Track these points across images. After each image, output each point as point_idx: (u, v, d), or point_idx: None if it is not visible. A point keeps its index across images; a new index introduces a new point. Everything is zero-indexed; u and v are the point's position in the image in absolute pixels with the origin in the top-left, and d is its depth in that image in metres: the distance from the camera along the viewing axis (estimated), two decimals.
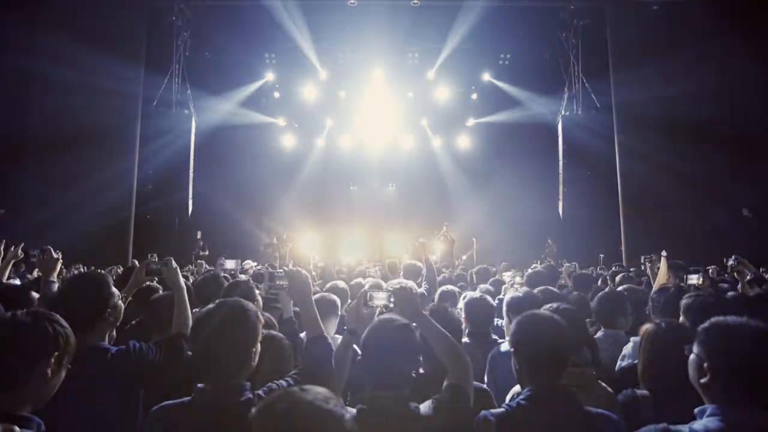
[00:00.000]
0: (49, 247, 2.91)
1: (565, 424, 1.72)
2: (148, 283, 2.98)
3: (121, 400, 2.05)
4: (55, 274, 2.91)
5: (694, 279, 3.79)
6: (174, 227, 12.77)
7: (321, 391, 1.03)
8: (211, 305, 1.81)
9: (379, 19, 12.26)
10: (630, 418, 1.94)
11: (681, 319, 2.53)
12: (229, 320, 1.73)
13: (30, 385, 1.47)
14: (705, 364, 1.56)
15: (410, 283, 4.00)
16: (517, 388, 2.10)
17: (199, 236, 12.05)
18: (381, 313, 2.08)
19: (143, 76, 11.51)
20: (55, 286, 2.81)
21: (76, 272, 5.23)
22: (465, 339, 2.90)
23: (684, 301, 2.60)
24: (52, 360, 1.50)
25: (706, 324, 1.64)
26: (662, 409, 1.94)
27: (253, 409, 1.01)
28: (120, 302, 2.31)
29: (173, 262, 2.59)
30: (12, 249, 3.85)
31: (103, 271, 2.95)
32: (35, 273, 4.17)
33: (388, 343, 1.76)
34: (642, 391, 2.08)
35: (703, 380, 1.56)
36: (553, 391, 1.78)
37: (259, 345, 1.80)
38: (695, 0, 11.08)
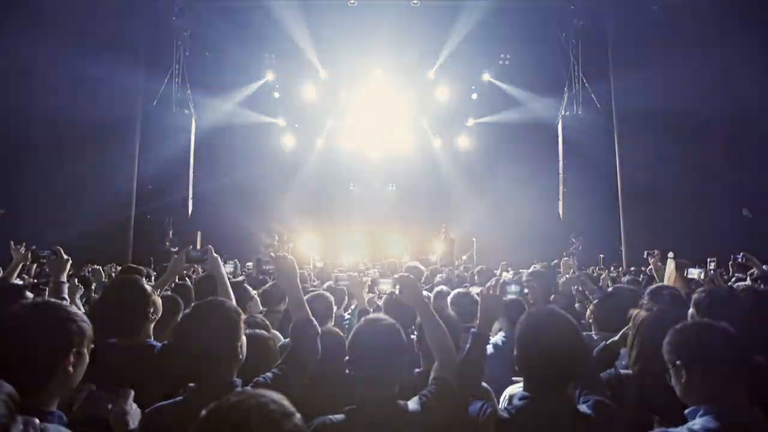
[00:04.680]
0: (59, 247, 2.92)
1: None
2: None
3: (167, 395, 2.07)
4: (65, 275, 2.93)
5: (695, 273, 3.79)
6: (174, 227, 12.77)
7: (273, 393, 1.01)
8: (188, 309, 1.85)
9: (379, 19, 12.29)
10: (613, 397, 1.94)
11: (690, 310, 2.53)
12: (209, 319, 1.76)
13: (54, 382, 1.47)
14: (683, 370, 1.62)
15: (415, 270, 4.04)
16: (510, 389, 2.10)
17: (171, 234, 12.05)
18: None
19: (143, 76, 11.52)
20: (66, 287, 2.83)
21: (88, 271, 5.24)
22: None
23: (695, 296, 2.60)
24: (71, 356, 1.50)
25: (672, 333, 1.70)
26: (646, 389, 1.97)
27: (203, 412, 0.99)
28: (158, 298, 2.38)
29: (213, 250, 2.64)
30: (22, 251, 3.84)
31: (136, 276, 2.98)
32: (32, 272, 4.16)
33: (375, 343, 1.76)
34: (626, 371, 2.11)
35: (684, 383, 1.61)
36: (555, 401, 1.74)
37: (244, 338, 1.82)
38: (695, 0, 11.08)
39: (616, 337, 2.36)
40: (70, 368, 1.49)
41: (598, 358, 2.32)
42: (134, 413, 1.72)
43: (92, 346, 1.59)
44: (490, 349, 2.84)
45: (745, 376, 1.57)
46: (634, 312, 2.27)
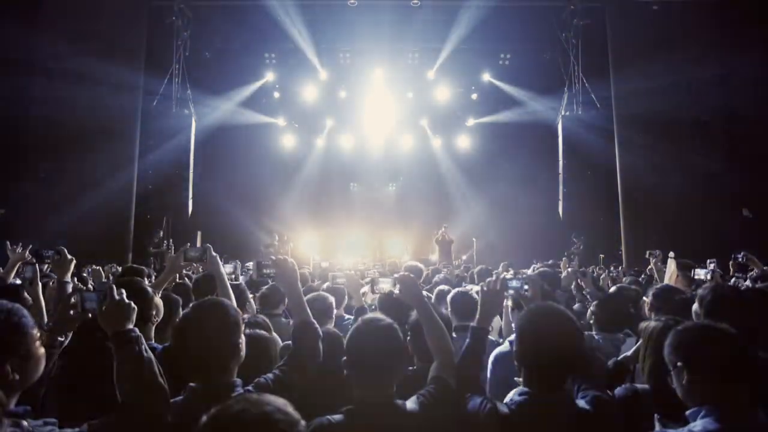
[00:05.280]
0: (63, 248, 2.92)
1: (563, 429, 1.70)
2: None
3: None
4: (69, 275, 2.92)
5: (701, 274, 3.77)
6: (174, 227, 12.77)
7: (278, 399, 1.00)
8: (188, 308, 1.84)
9: (379, 19, 12.27)
10: (629, 412, 1.94)
11: (694, 306, 2.50)
12: (209, 319, 1.75)
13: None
14: (684, 372, 1.59)
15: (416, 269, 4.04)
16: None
17: (162, 234, 12.06)
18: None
19: (143, 76, 11.51)
20: (70, 287, 2.82)
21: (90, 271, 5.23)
22: (452, 334, 2.92)
23: (699, 292, 2.57)
24: (8, 363, 1.46)
25: (673, 335, 1.68)
26: (663, 404, 1.93)
27: (204, 416, 0.97)
28: (159, 300, 2.40)
29: (212, 249, 2.64)
30: (19, 250, 3.83)
31: (137, 277, 2.97)
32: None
33: (373, 344, 1.76)
34: (643, 386, 2.08)
35: (685, 385, 1.60)
36: (553, 396, 1.73)
37: (243, 337, 1.82)
38: (695, 0, 11.07)
39: (629, 353, 2.33)
40: (14, 375, 1.45)
41: (609, 374, 2.31)
42: (129, 306, 1.73)
43: (40, 342, 1.56)
44: (507, 346, 2.82)
45: (747, 377, 1.55)
46: (643, 324, 2.26)
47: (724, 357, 1.56)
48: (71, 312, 1.91)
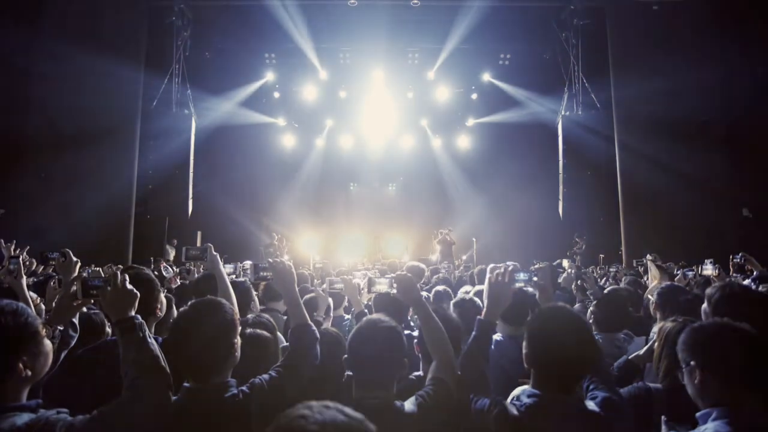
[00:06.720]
0: (68, 250, 2.91)
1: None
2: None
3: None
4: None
5: (708, 269, 3.75)
6: (174, 227, 12.76)
7: (343, 412, 0.91)
8: (184, 307, 1.84)
9: (379, 19, 12.27)
10: (640, 411, 1.92)
11: (704, 305, 2.46)
12: (205, 318, 1.75)
13: (12, 380, 1.49)
14: (696, 371, 1.55)
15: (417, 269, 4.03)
16: (519, 389, 2.08)
17: (175, 243, 12.06)
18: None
19: (143, 76, 11.50)
20: (74, 288, 2.82)
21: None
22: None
23: (708, 291, 2.51)
24: (21, 361, 1.50)
25: (688, 332, 1.64)
26: (676, 404, 1.91)
27: (271, 426, 0.88)
28: (163, 296, 2.42)
29: (212, 248, 2.65)
30: (12, 251, 3.82)
31: (145, 269, 2.99)
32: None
33: (374, 345, 1.75)
34: (656, 385, 2.06)
35: (697, 384, 1.55)
36: (564, 399, 1.71)
37: (239, 338, 1.82)
38: (695, 0, 11.07)
39: (641, 352, 2.31)
40: (26, 371, 1.51)
41: (619, 372, 2.29)
42: (132, 293, 1.75)
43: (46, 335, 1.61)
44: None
45: (764, 380, 1.47)
46: (658, 325, 2.24)
47: (739, 357, 1.49)
48: (72, 301, 1.94)
